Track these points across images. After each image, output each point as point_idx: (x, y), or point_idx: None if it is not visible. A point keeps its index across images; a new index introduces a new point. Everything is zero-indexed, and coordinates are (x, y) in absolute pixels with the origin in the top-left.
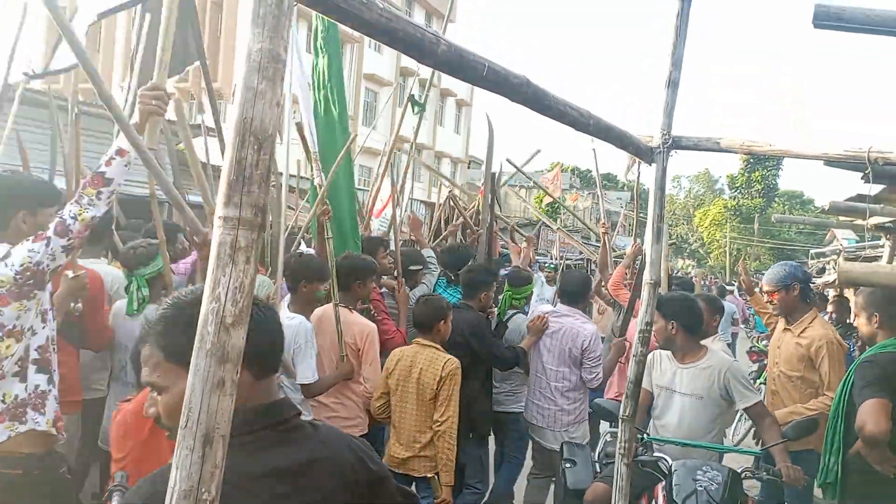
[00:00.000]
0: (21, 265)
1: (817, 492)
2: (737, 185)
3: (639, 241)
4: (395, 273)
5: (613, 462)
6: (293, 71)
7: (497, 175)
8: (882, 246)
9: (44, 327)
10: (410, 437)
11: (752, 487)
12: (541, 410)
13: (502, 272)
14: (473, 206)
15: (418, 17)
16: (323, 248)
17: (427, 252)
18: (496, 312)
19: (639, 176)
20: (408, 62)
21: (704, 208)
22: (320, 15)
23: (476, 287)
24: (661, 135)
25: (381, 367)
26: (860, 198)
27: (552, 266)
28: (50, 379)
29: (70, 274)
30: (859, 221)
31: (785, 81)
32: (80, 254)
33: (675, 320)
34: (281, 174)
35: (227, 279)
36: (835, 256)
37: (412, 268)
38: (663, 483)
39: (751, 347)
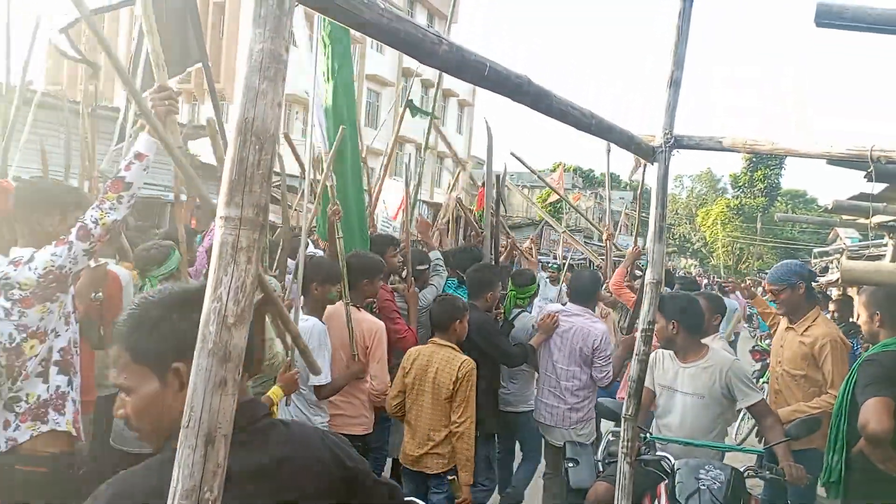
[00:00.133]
0: (44, 269)
1: (820, 491)
2: (739, 184)
3: (640, 241)
4: (405, 273)
5: (616, 461)
6: (306, 70)
7: (502, 174)
8: (885, 245)
9: (66, 330)
10: (424, 435)
11: (755, 486)
12: (550, 409)
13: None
14: (474, 207)
15: (420, 18)
16: (333, 248)
17: (434, 254)
18: (503, 312)
19: (644, 176)
20: (409, 62)
21: (707, 208)
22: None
23: (482, 287)
24: (664, 134)
25: (395, 367)
26: (863, 196)
27: (555, 266)
28: (70, 381)
29: (92, 264)
30: (862, 220)
31: (786, 83)
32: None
33: (676, 320)
34: (281, 175)
35: (228, 279)
36: (838, 255)
37: (418, 267)
38: (666, 482)
39: (754, 346)
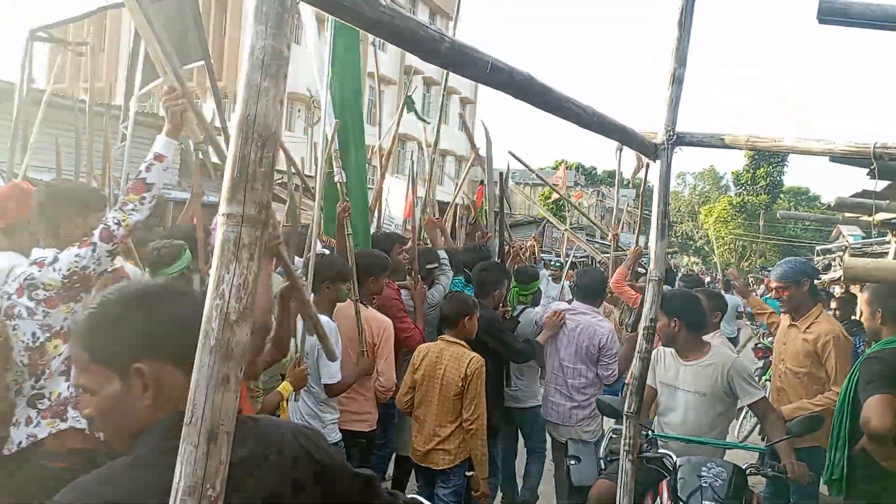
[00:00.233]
0: (68, 269)
1: (823, 488)
2: (742, 181)
3: (642, 239)
4: (412, 271)
5: (618, 459)
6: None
7: (504, 172)
8: (888, 242)
9: None
10: (431, 430)
11: (757, 484)
12: (557, 407)
13: None
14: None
15: (422, 16)
16: (343, 245)
17: (441, 253)
18: (509, 309)
19: (646, 174)
20: (411, 60)
21: (709, 205)
22: None
23: (488, 285)
24: (666, 131)
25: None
26: (866, 194)
27: (557, 264)
28: None
29: (116, 264)
30: (865, 218)
31: (787, 83)
32: None
33: (678, 317)
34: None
35: (230, 276)
36: (840, 253)
37: (428, 266)
38: (668, 479)
39: (756, 344)
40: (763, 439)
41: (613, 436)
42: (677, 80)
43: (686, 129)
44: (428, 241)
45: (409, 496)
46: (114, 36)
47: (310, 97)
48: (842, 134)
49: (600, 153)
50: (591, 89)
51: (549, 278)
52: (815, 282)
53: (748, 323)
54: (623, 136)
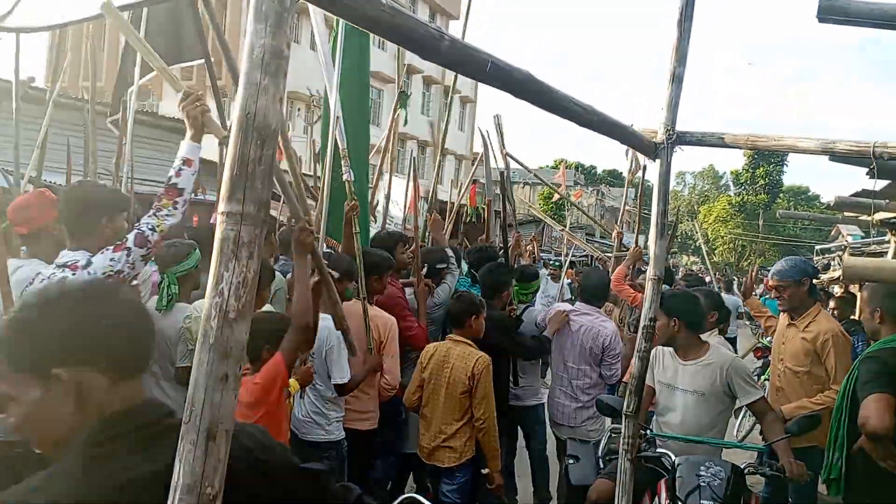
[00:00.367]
0: (103, 273)
1: (821, 488)
2: (741, 181)
3: (641, 239)
4: (414, 269)
5: (617, 458)
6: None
7: (504, 171)
8: (888, 242)
9: None
10: (437, 428)
11: (756, 483)
12: (561, 408)
13: None
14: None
15: (422, 14)
16: (350, 244)
17: (449, 252)
18: (514, 309)
19: (644, 172)
20: (410, 59)
21: (709, 205)
22: None
23: (496, 286)
24: (665, 130)
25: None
26: (865, 193)
27: (557, 263)
28: None
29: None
30: (864, 217)
31: (788, 73)
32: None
33: (677, 317)
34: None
35: (230, 274)
36: (840, 252)
37: (437, 266)
38: (666, 479)
39: (756, 344)
40: (762, 439)
41: (612, 435)
42: (677, 80)
43: (687, 123)
44: (428, 242)
45: (407, 496)
46: (114, 36)
47: (309, 96)
48: (844, 132)
49: (600, 152)
50: (597, 89)
51: (549, 277)
52: (815, 281)
53: (748, 323)
54: (623, 135)
